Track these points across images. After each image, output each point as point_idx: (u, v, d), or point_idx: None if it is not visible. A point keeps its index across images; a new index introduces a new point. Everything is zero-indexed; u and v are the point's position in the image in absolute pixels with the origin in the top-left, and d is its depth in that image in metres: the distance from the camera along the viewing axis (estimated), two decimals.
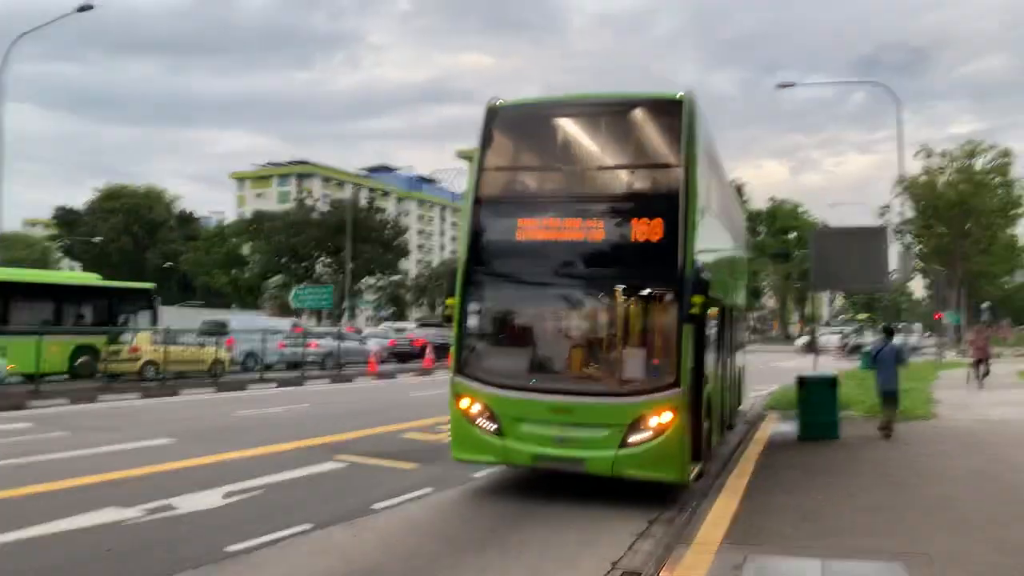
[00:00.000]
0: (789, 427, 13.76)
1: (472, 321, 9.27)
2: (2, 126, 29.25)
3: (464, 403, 8.98)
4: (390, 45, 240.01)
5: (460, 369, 9.07)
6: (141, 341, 23.22)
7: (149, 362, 23.03)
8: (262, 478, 9.67)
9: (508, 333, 9.52)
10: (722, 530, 7.09)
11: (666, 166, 8.96)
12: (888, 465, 10.42)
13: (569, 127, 9.85)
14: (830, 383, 13.01)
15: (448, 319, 9.16)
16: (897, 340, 14.17)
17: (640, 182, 9.24)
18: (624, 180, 9.40)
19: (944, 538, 6.77)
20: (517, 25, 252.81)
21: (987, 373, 21.94)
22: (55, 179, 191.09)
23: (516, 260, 9.16)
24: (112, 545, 6.88)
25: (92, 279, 26.71)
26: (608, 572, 6.40)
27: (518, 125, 9.81)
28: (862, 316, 34.89)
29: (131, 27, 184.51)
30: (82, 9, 29.38)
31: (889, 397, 12.99)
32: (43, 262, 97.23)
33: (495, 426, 8.76)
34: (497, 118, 9.42)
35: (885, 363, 13.15)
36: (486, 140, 9.40)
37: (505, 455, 8.81)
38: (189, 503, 8.38)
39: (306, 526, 7.57)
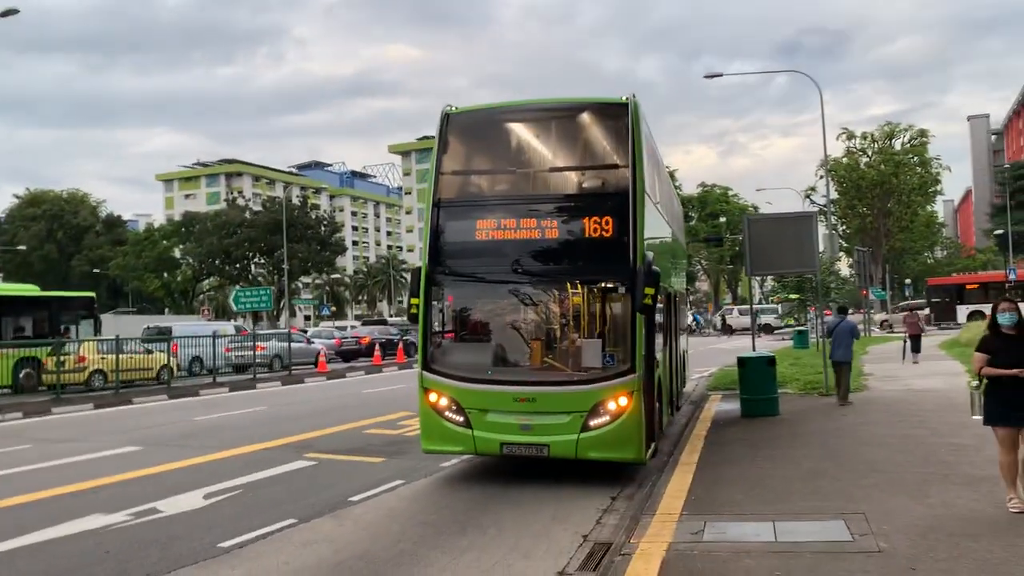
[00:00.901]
0: (732, 406, 14.59)
1: (436, 319, 9.79)
2: None
3: (432, 397, 9.42)
4: (315, 38, 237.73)
5: (427, 365, 9.49)
6: (87, 350, 23.02)
7: (97, 371, 22.89)
8: (238, 479, 10.01)
9: (471, 329, 10.01)
10: (680, 501, 7.76)
11: (615, 166, 9.60)
12: (825, 435, 11.28)
13: (521, 131, 10.39)
14: (768, 362, 13.83)
15: (413, 318, 9.56)
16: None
17: (591, 182, 9.81)
18: (575, 181, 9.97)
19: (877, 498, 7.53)
20: (444, 17, 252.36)
21: (918, 349, 23.16)
22: None
23: (476, 259, 9.63)
24: (109, 548, 7.20)
25: (31, 290, 26.26)
26: (581, 544, 6.98)
27: (472, 130, 10.28)
28: (793, 296, 36.06)
29: (43, 26, 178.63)
30: (5, 14, 28.71)
31: (845, 366, 14.45)
32: None
33: (462, 418, 9.23)
34: (451, 124, 9.83)
35: (841, 337, 14.49)
36: (442, 145, 9.81)
37: (474, 445, 9.27)
38: (172, 506, 8.69)
39: (291, 520, 7.97)
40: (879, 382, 17.55)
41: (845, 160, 61.43)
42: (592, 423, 8.82)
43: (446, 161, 9.87)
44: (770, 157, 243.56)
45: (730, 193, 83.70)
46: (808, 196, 61.90)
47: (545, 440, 8.95)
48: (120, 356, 22.78)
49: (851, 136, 61.79)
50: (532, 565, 6.46)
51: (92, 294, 27.64)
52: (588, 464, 9.16)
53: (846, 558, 5.79)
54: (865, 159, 61.69)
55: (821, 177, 48.89)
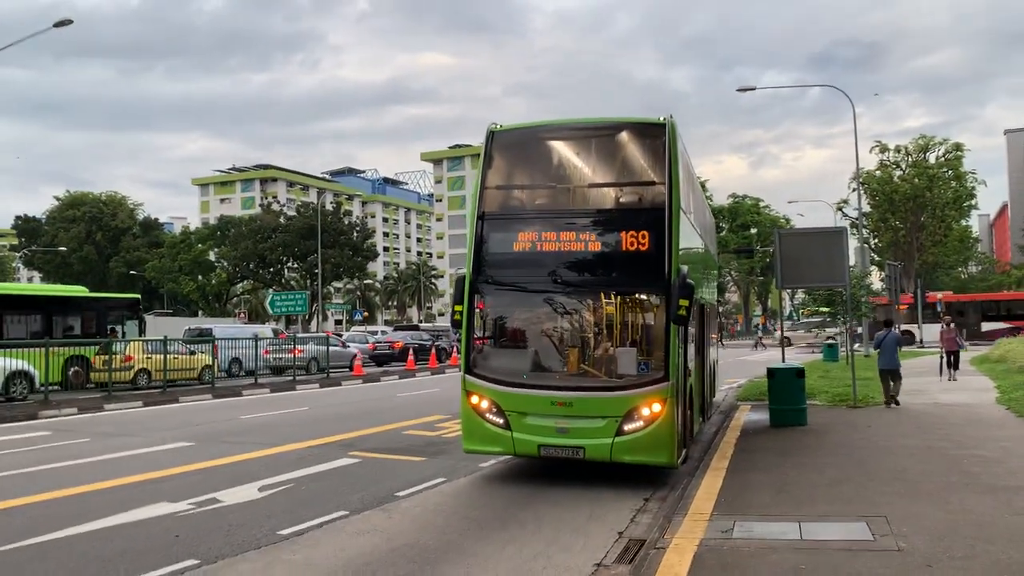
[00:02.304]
0: (761, 416, 14.96)
1: (479, 325, 10.27)
2: None
3: (474, 400, 9.90)
4: (349, 45, 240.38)
5: (469, 369, 9.98)
6: (133, 350, 23.85)
7: (142, 370, 23.71)
8: (289, 473, 10.59)
9: (511, 335, 10.46)
10: (711, 503, 8.19)
11: (651, 183, 10.02)
12: (851, 446, 11.63)
13: (562, 149, 10.90)
14: (796, 373, 14.18)
15: (456, 324, 10.06)
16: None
17: (628, 198, 10.25)
18: (614, 196, 10.42)
19: (899, 503, 7.92)
20: (477, 24, 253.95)
21: (956, 365, 22.96)
22: (7, 187, 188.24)
23: (517, 270, 10.10)
24: (178, 532, 7.77)
25: (80, 291, 27.22)
26: (616, 540, 7.44)
27: (515, 147, 10.81)
28: (823, 309, 36.11)
29: (82, 32, 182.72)
30: (60, 24, 29.78)
31: (893, 373, 16.29)
32: (2, 273, 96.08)
33: (502, 420, 9.71)
34: (496, 141, 10.35)
35: (887, 347, 16.44)
36: (487, 161, 10.32)
37: (513, 446, 9.73)
38: (231, 497, 9.26)
39: (342, 512, 8.51)
40: (907, 396, 17.76)
41: (878, 173, 61.27)
42: (626, 427, 9.24)
43: (490, 176, 10.35)
44: (802, 168, 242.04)
45: (761, 204, 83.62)
46: (840, 209, 61.79)
47: (581, 443, 9.38)
48: (166, 356, 23.59)
49: (884, 149, 61.67)
50: (571, 557, 6.93)
51: (138, 296, 28.59)
52: (621, 467, 9.60)
53: (867, 556, 6.20)
54: (899, 172, 61.52)
55: (854, 190, 48.90)
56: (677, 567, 6.08)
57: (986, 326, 49.37)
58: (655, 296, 9.68)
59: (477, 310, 10.10)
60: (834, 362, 30.38)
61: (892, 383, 16.22)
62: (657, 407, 9.18)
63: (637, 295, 10.09)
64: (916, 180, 59.28)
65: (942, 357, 22.59)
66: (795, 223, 70.97)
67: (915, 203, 59.28)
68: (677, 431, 9.41)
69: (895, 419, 14.29)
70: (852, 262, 33.54)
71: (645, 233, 9.50)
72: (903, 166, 61.63)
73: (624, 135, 10.61)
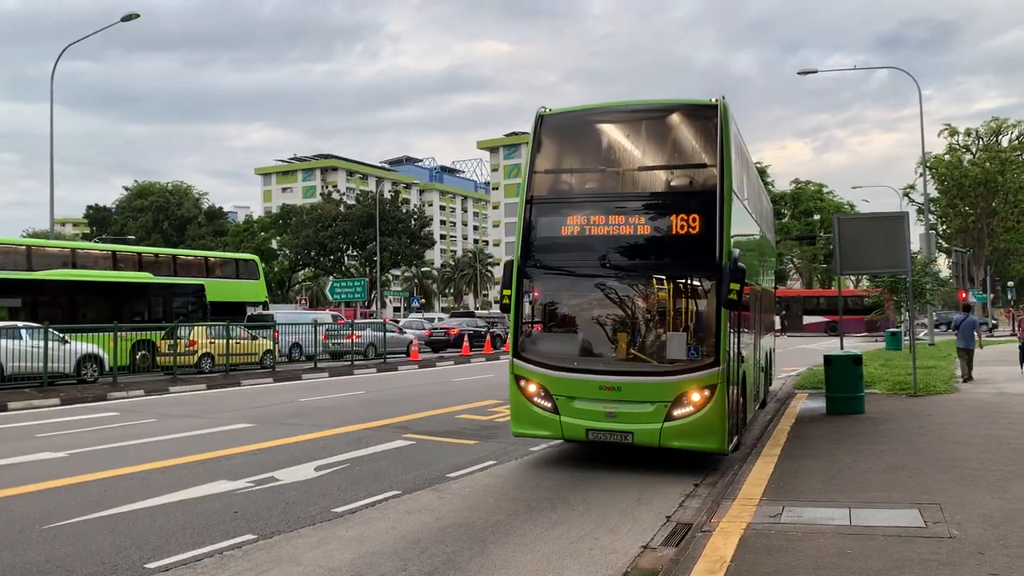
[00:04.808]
0: (818, 404, 14.76)
1: (527, 310, 10.27)
2: (52, 128, 30.76)
3: (522, 383, 9.94)
4: (408, 34, 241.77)
5: (517, 353, 10.01)
6: (197, 335, 24.56)
7: (206, 354, 24.42)
8: (344, 454, 10.85)
9: (560, 319, 10.46)
10: (761, 488, 8.15)
11: (703, 166, 9.93)
12: (909, 434, 11.41)
13: (612, 132, 10.82)
14: (854, 360, 13.93)
15: (505, 308, 10.08)
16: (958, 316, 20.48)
17: (679, 181, 10.19)
18: (664, 179, 10.36)
19: (955, 491, 7.77)
20: (535, 11, 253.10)
21: None
22: (79, 178, 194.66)
23: (566, 254, 10.05)
24: (236, 509, 8.05)
25: (146, 277, 28.03)
26: (664, 524, 7.48)
27: (565, 130, 10.77)
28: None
29: (147, 25, 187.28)
30: (127, 18, 30.69)
31: (969, 353, 18.93)
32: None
33: (550, 404, 9.72)
34: (545, 125, 10.32)
35: (965, 330, 19.13)
36: (536, 145, 10.32)
37: (561, 430, 9.76)
38: (288, 475, 9.54)
39: (395, 492, 8.71)
40: (970, 384, 17.36)
41: (947, 157, 59.36)
42: (676, 413, 9.19)
43: (539, 160, 10.34)
44: (868, 153, 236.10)
45: (825, 190, 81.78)
46: (907, 194, 60.11)
47: (629, 428, 9.35)
48: (227, 341, 24.25)
49: (954, 133, 59.68)
50: (618, 539, 6.99)
51: (202, 282, 29.29)
52: (671, 453, 9.56)
53: (917, 542, 6.12)
54: (969, 156, 59.51)
55: (921, 175, 47.53)
56: (722, 550, 6.09)
57: (807, 319, 58.64)
58: (706, 280, 9.53)
59: (525, 294, 10.13)
60: (897, 350, 29.72)
61: (970, 361, 18.63)
62: (707, 392, 9.10)
63: (687, 279, 9.98)
64: (987, 164, 57.22)
65: (1021, 348, 21.96)
66: (859, 209, 69.37)
67: (986, 188, 57.21)
68: (727, 417, 9.31)
69: (956, 407, 13.96)
70: (916, 248, 32.77)
71: (696, 216, 9.40)
72: (973, 150, 59.58)
73: (675, 117, 10.50)
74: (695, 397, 9.14)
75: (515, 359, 10.02)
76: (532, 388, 9.85)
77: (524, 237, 10.07)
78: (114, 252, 31.36)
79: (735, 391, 9.87)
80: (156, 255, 32.59)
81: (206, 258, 35.91)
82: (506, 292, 10.01)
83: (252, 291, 34.85)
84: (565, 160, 11.04)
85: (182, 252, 38.11)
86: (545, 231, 10.08)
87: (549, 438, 10.46)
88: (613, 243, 9.71)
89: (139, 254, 31.82)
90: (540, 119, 10.29)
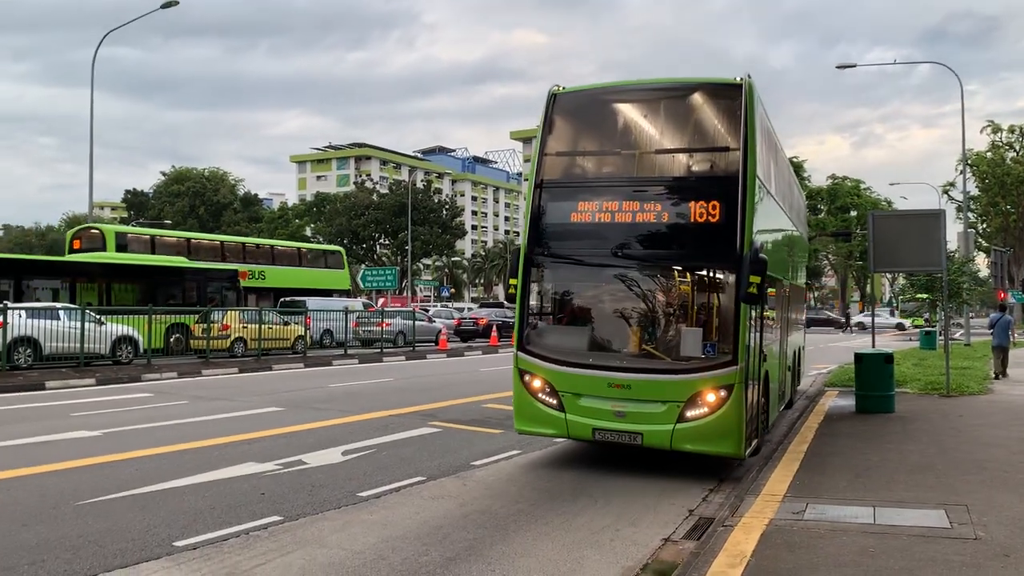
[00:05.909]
0: (847, 402, 14.63)
1: (534, 300, 9.67)
2: (92, 112, 31.31)
3: (526, 378, 9.38)
4: (444, 23, 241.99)
5: (522, 346, 9.45)
6: (230, 319, 24.91)
7: (238, 339, 24.77)
8: (371, 440, 10.97)
9: (568, 312, 9.81)
10: (785, 485, 8.11)
11: (725, 149, 9.27)
12: (938, 434, 11.28)
13: (629, 112, 10.13)
14: (885, 359, 13.77)
15: (512, 298, 9.47)
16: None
17: (699, 165, 9.63)
18: (683, 163, 9.76)
19: (982, 493, 7.68)
20: (571, 1, 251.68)
21: None
22: (117, 162, 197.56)
23: (576, 242, 9.41)
24: (264, 490, 8.18)
25: (181, 262, 28.46)
26: (686, 518, 7.48)
27: (579, 110, 10.07)
28: (921, 296, 34.71)
29: (187, 11, 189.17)
30: (167, 5, 31.06)
31: (1004, 351, 19.69)
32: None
33: (556, 401, 9.15)
34: (558, 104, 9.63)
35: (1000, 328, 19.76)
36: (547, 126, 9.63)
37: (566, 428, 9.17)
38: (315, 459, 9.67)
39: (420, 478, 8.81)
40: (1005, 386, 17.11)
41: (989, 155, 58.24)
42: (689, 414, 8.59)
43: (551, 142, 9.68)
44: (908, 149, 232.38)
45: (862, 186, 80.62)
46: (946, 192, 59.08)
47: (639, 428, 8.76)
48: (259, 326, 24.57)
49: (997, 129, 58.53)
50: (639, 532, 7.01)
51: (236, 267, 29.69)
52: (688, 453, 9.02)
53: (941, 543, 6.07)
54: (1012, 154, 58.35)
55: (961, 172, 46.67)
56: (743, 544, 6.09)
57: None
58: (725, 272, 8.91)
59: (532, 284, 9.55)
60: (931, 350, 29.29)
61: (1004, 359, 19.37)
62: (724, 392, 8.47)
63: (705, 271, 9.39)
64: None
65: None
66: (897, 206, 68.37)
67: None
68: (745, 419, 8.62)
69: (989, 408, 13.76)
70: (953, 247, 32.22)
71: (716, 203, 8.71)
72: (1017, 147, 58.42)
73: (696, 97, 9.79)
74: (710, 397, 8.53)
75: (520, 352, 9.48)
76: (537, 384, 9.31)
77: (533, 223, 9.46)
78: (222, 243, 34.84)
79: (755, 391, 9.28)
80: (257, 245, 37.41)
81: (299, 248, 39.41)
82: (512, 281, 9.41)
83: (337, 279, 38.02)
84: (578, 142, 10.42)
85: (279, 243, 42.50)
86: (555, 217, 9.47)
87: (554, 436, 9.85)
88: (627, 231, 9.08)
89: (243, 244, 36.60)
90: (552, 98, 9.61)
